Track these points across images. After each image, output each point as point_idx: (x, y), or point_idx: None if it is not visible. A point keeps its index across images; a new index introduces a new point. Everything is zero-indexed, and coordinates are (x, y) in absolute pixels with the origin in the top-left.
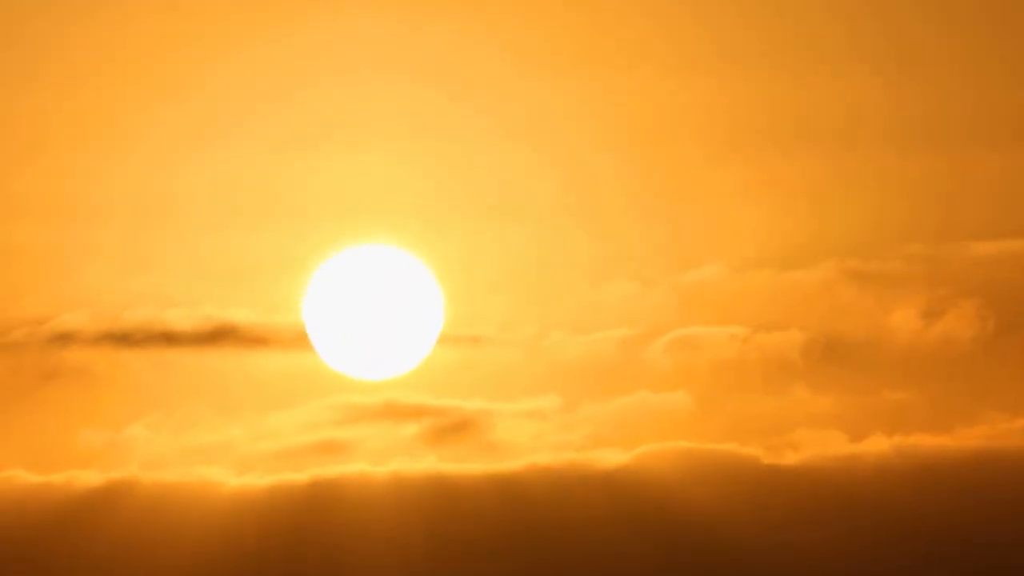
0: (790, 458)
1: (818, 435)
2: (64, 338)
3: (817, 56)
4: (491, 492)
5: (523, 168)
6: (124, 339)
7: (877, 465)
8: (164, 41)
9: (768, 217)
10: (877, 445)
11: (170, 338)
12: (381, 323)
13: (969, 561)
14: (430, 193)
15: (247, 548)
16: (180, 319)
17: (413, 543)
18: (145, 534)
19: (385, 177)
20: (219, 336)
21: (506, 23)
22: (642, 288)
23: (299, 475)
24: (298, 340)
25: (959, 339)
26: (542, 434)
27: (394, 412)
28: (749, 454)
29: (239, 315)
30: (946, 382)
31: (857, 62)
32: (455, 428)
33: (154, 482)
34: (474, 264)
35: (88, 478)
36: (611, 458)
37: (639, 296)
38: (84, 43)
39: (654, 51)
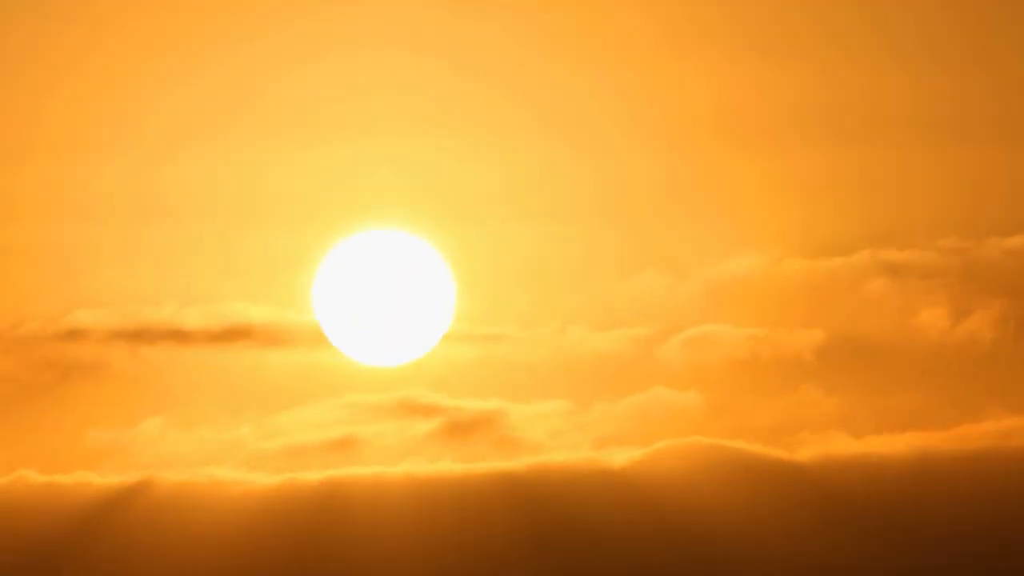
0: (807, 457)
1: (835, 434)
2: (75, 335)
3: (853, 48)
4: (506, 490)
5: (549, 160)
6: (135, 336)
7: (897, 465)
8: (163, 35)
9: (800, 210)
10: (895, 444)
11: (182, 336)
12: (396, 312)
13: (983, 560)
14: (452, 185)
15: (261, 548)
16: (193, 316)
17: (427, 542)
18: (157, 535)
19: (403, 168)
20: (232, 334)
21: (534, 12)
22: (672, 281)
23: (313, 474)
24: (313, 337)
25: (984, 338)
26: (558, 432)
27: (410, 410)
28: (765, 452)
29: (253, 312)
30: (969, 381)
31: (894, 54)
32: (470, 426)
33: (166, 482)
34: (496, 258)
35: (100, 478)
36: (627, 455)
37: (668, 290)
38: (85, 40)
39: (683, 43)
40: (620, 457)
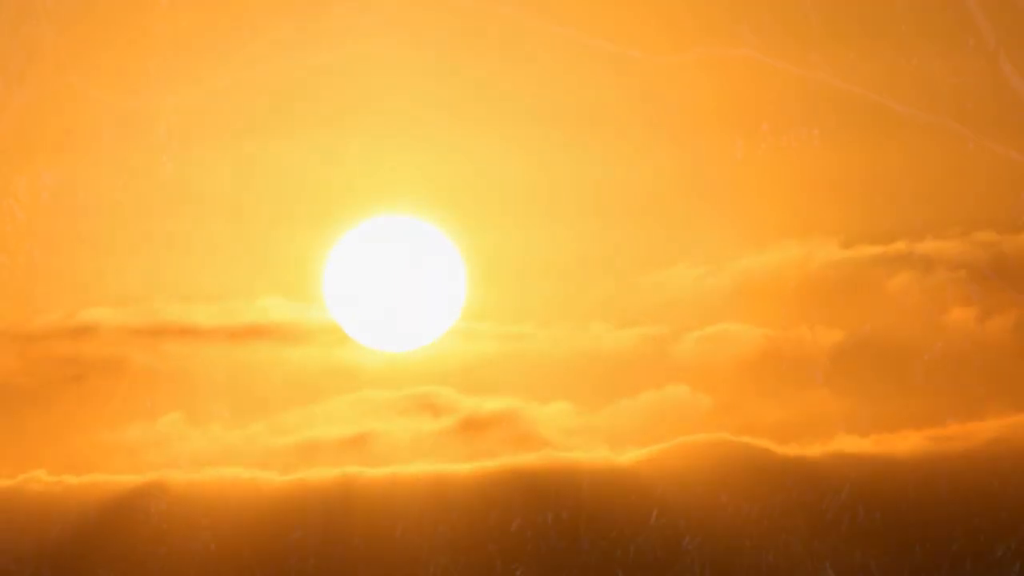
0: (823, 455)
1: (851, 434)
2: (86, 333)
3: (886, 33)
4: (521, 488)
5: (568, 154)
6: (147, 334)
7: (911, 464)
8: (164, 34)
9: (834, 201)
10: (908, 444)
11: (195, 332)
12: (411, 301)
13: (992, 559)
14: (471, 177)
15: (274, 547)
16: (205, 312)
17: (442, 540)
18: (171, 534)
19: (419, 160)
20: (246, 330)
21: (552, 2)
22: (700, 275)
23: (325, 473)
24: (328, 330)
25: (1006, 338)
26: (574, 430)
27: (426, 407)
28: (782, 451)
29: (267, 307)
30: (985, 381)
31: (926, 40)
32: (487, 424)
33: (179, 481)
34: (516, 252)
35: (113, 478)
36: (644, 454)
37: (694, 284)
38: (85, 40)
39: (703, 30)
40: (635, 454)
